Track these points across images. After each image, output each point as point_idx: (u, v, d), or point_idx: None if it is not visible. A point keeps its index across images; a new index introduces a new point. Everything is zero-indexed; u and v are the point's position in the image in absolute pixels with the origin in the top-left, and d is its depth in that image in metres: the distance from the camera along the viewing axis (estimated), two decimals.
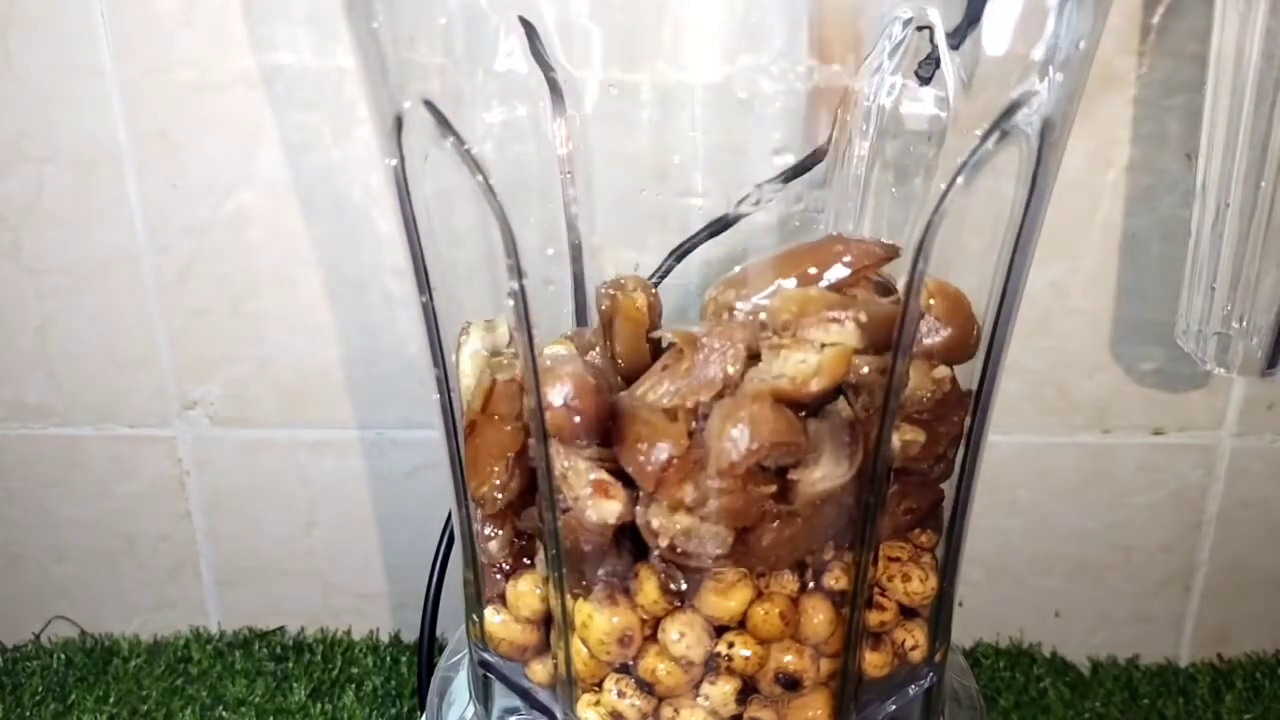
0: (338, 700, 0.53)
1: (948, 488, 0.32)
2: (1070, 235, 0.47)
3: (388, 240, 0.49)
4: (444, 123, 0.28)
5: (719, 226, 0.36)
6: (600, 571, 0.30)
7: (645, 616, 0.29)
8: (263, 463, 0.54)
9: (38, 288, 0.51)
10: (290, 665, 0.55)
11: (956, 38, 0.30)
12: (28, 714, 0.53)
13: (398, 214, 0.30)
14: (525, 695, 0.33)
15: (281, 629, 0.58)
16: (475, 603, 0.33)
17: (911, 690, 0.33)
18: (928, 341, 0.29)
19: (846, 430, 0.29)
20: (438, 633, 0.47)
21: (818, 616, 0.30)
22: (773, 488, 0.28)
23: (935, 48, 0.32)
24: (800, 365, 0.27)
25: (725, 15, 0.32)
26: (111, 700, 0.53)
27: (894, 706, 0.33)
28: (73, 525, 0.56)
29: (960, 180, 0.27)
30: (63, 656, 0.56)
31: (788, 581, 0.30)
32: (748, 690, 0.30)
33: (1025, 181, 0.29)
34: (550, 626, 0.32)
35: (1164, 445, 0.52)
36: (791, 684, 0.30)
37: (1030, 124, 0.28)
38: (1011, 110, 0.27)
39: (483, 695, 0.35)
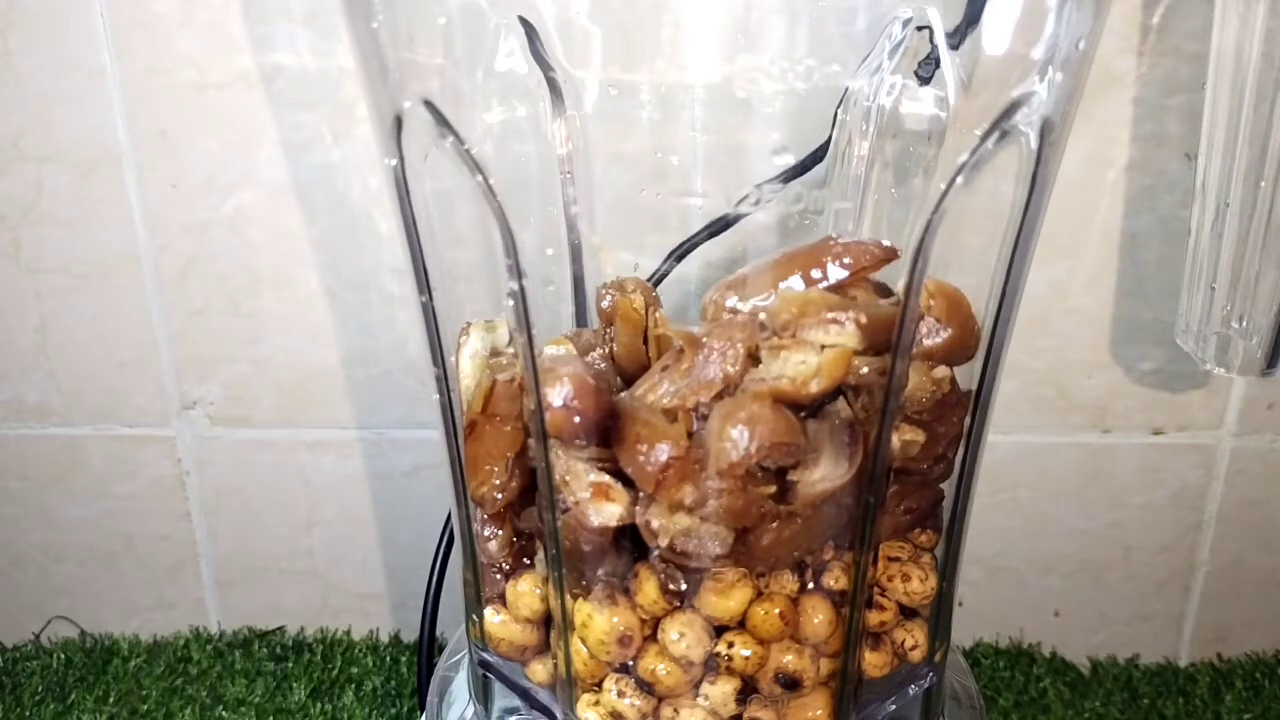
0: (338, 700, 0.53)
1: (948, 488, 0.32)
2: (1070, 235, 0.47)
3: (388, 240, 0.48)
4: (444, 123, 0.28)
5: (719, 226, 0.36)
6: (600, 571, 0.30)
7: (645, 616, 0.29)
8: (262, 463, 0.54)
9: (38, 288, 0.51)
10: (290, 665, 0.55)
11: (956, 38, 0.30)
12: (28, 714, 0.53)
13: (398, 214, 0.30)
14: (525, 695, 0.33)
15: (281, 629, 0.58)
16: (475, 603, 0.33)
17: (911, 690, 0.33)
18: (928, 342, 0.29)
19: (846, 431, 0.29)
20: (438, 633, 0.47)
21: (818, 616, 0.30)
22: (772, 488, 0.28)
23: (935, 48, 0.32)
24: (800, 366, 0.27)
25: (725, 15, 0.32)
26: (111, 700, 0.53)
27: (894, 706, 0.33)
28: (73, 525, 0.56)
29: (960, 180, 0.27)
30: (63, 656, 0.56)
31: (788, 581, 0.30)
32: (748, 690, 0.30)
33: (1025, 181, 0.29)
34: (550, 626, 0.32)
35: (1164, 445, 0.52)
36: (791, 684, 0.30)
37: (1030, 124, 0.28)
38: (1011, 110, 0.27)
39: (482, 695, 0.35)
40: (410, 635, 0.58)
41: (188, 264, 0.50)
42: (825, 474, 0.28)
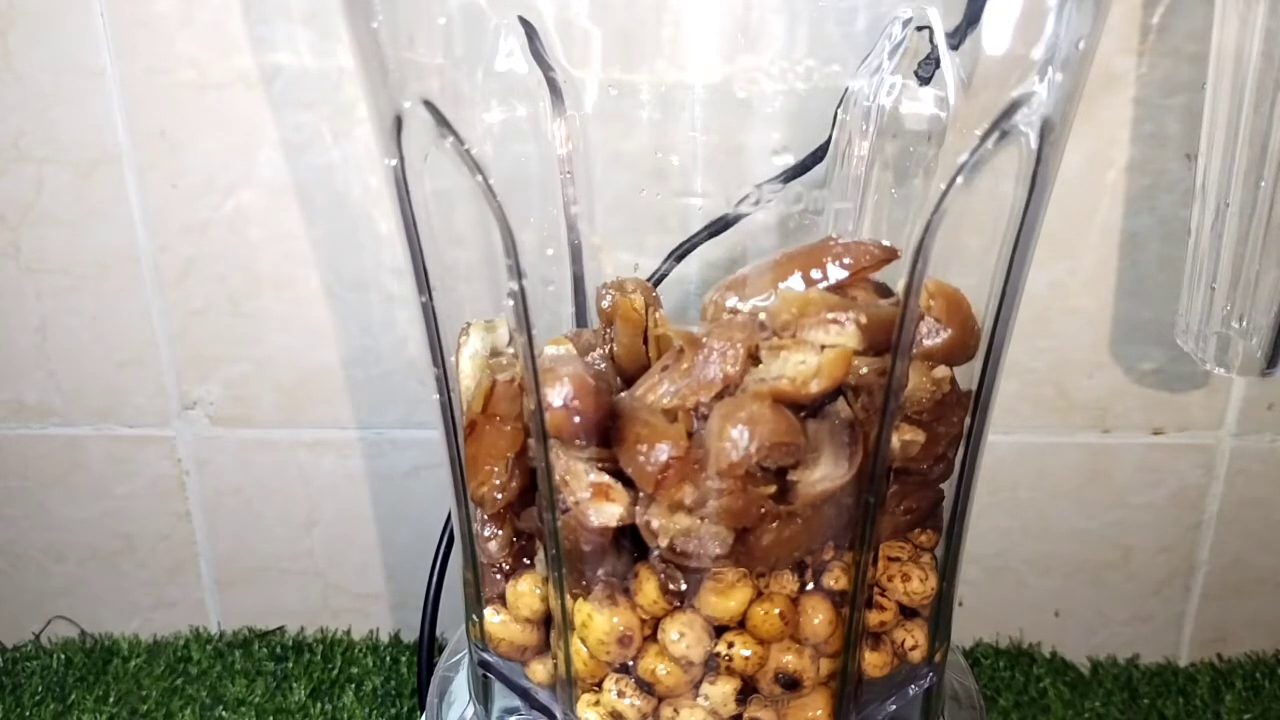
0: (338, 700, 0.53)
1: (948, 488, 0.32)
2: (1070, 235, 0.47)
3: (388, 240, 0.49)
4: (444, 123, 0.28)
5: (719, 226, 0.36)
6: (600, 571, 0.30)
7: (645, 616, 0.29)
8: (262, 462, 0.54)
9: (38, 288, 0.51)
10: (290, 665, 0.55)
11: (956, 38, 0.30)
12: (28, 714, 0.53)
13: (398, 214, 0.30)
14: (525, 695, 0.33)
15: (281, 629, 0.58)
16: (475, 603, 0.33)
17: (911, 690, 0.33)
18: (928, 343, 0.29)
19: (846, 431, 0.29)
20: (438, 633, 0.47)
21: (818, 616, 0.30)
22: (772, 488, 0.28)
23: (935, 48, 0.32)
24: (800, 366, 0.27)
25: (725, 15, 0.32)
26: (111, 700, 0.53)
27: (894, 706, 0.33)
28: (73, 525, 0.56)
29: (960, 180, 0.27)
30: (63, 656, 0.56)
31: (788, 581, 0.30)
32: (748, 690, 0.30)
33: (1025, 181, 0.29)
34: (550, 626, 0.32)
35: (1164, 445, 0.52)
36: (791, 684, 0.30)
37: (1030, 124, 0.28)
38: (1011, 110, 0.27)
39: (482, 695, 0.35)
40: (410, 635, 0.58)
41: (187, 264, 0.50)
42: (825, 474, 0.28)
